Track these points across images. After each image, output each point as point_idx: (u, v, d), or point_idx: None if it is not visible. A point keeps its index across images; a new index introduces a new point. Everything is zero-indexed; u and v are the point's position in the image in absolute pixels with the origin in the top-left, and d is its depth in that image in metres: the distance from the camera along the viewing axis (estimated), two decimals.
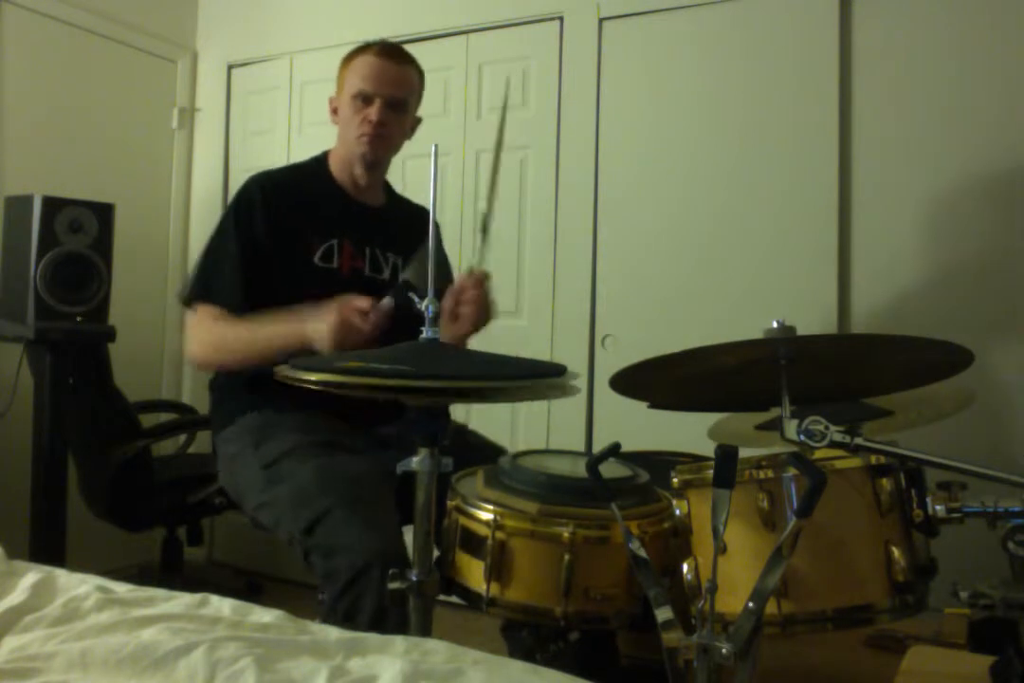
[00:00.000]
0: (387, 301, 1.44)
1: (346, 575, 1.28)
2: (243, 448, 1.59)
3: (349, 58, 1.74)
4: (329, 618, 1.27)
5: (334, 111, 1.77)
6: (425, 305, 1.17)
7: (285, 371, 1.09)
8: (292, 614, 1.01)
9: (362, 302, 1.44)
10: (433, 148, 1.21)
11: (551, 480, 1.27)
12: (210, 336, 1.62)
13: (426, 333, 1.16)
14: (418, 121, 1.81)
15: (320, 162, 1.80)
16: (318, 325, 1.43)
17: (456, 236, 2.83)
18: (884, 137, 2.32)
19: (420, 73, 1.77)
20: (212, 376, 1.76)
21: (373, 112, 1.67)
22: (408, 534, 1.21)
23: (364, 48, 1.72)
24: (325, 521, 1.35)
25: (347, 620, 1.25)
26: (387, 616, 1.24)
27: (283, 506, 1.44)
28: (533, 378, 1.14)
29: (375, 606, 1.25)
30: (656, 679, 1.08)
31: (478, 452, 1.58)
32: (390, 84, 1.69)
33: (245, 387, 1.66)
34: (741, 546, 1.16)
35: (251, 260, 1.63)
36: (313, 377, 1.05)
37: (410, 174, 2.75)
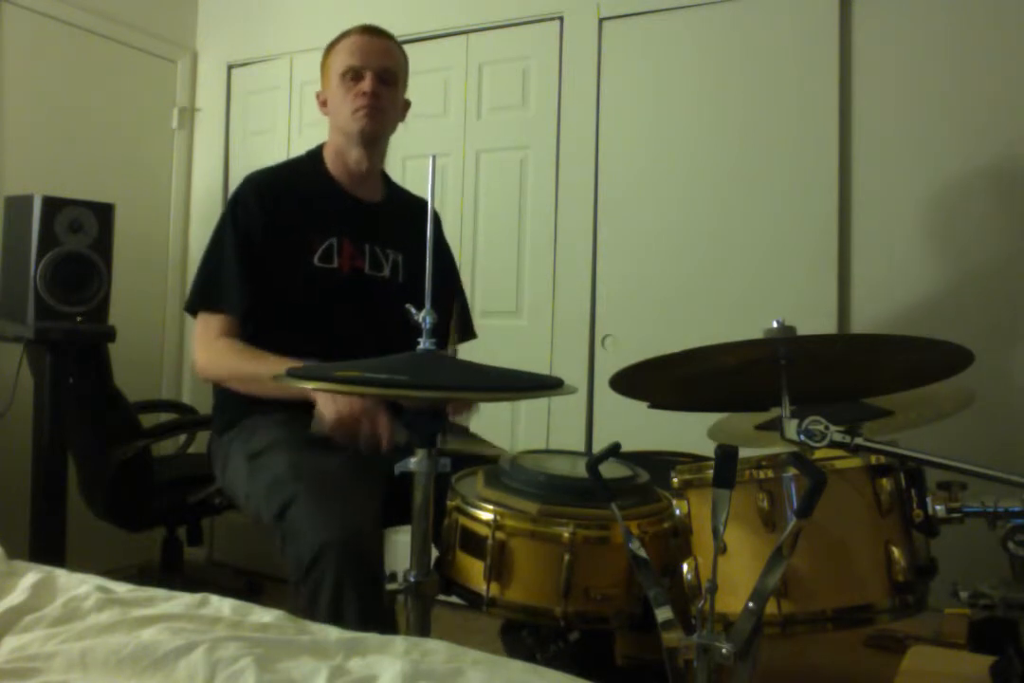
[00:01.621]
0: (401, 437, 1.42)
1: (305, 561, 1.28)
2: (235, 446, 1.60)
3: (331, 45, 1.75)
4: (293, 604, 1.28)
5: (323, 103, 1.76)
6: (422, 316, 1.17)
7: (282, 380, 1.10)
8: (292, 614, 1.01)
9: (383, 423, 1.42)
10: (431, 159, 1.21)
11: (551, 480, 1.27)
12: (215, 357, 1.62)
13: (423, 344, 1.16)
14: (408, 104, 1.80)
15: (315, 156, 1.78)
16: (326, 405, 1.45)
17: (456, 236, 2.84)
18: (884, 137, 2.32)
19: (403, 51, 1.78)
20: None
21: (366, 84, 1.66)
22: (406, 535, 1.21)
23: (345, 33, 1.74)
24: (292, 508, 1.36)
25: (309, 605, 1.26)
26: (344, 602, 1.24)
27: (261, 494, 1.46)
28: (531, 390, 1.15)
29: (332, 591, 1.25)
30: (656, 679, 1.08)
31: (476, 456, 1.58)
32: (378, 56, 1.69)
33: (243, 394, 1.66)
34: (741, 546, 1.16)
35: (251, 262, 1.62)
36: (310, 386, 1.07)
37: (410, 174, 2.76)
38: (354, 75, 1.68)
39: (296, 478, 1.41)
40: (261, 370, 1.53)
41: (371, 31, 1.72)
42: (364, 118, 1.67)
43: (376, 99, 1.67)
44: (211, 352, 1.63)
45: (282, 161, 1.86)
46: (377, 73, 1.67)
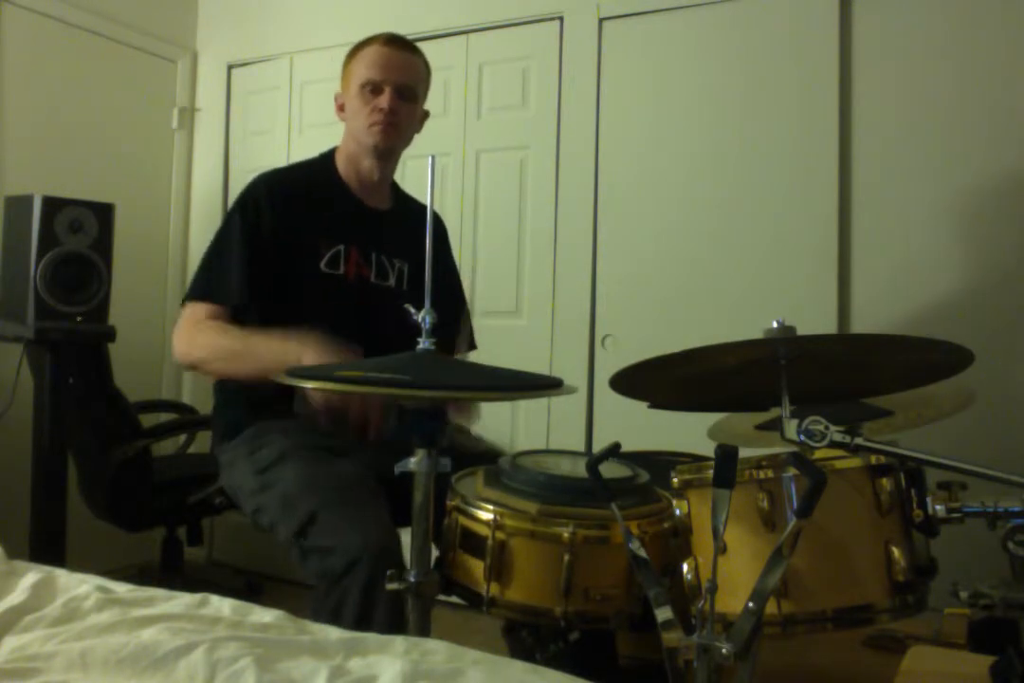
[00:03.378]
0: (388, 430, 1.38)
1: (331, 576, 1.29)
2: (240, 455, 1.58)
3: (354, 51, 1.72)
4: (316, 618, 1.27)
5: (340, 108, 1.74)
6: (422, 316, 1.17)
7: (283, 379, 1.10)
8: (292, 614, 1.01)
9: (375, 409, 1.38)
10: (430, 160, 1.21)
11: (551, 480, 1.27)
12: (194, 335, 1.57)
13: (423, 344, 1.16)
14: (426, 114, 1.78)
15: (327, 160, 1.77)
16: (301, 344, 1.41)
17: (456, 236, 2.83)
18: (884, 137, 2.32)
19: (426, 64, 1.75)
20: (215, 380, 1.75)
21: (383, 100, 1.64)
22: (406, 535, 1.21)
23: (369, 40, 1.71)
24: (312, 525, 1.36)
25: (332, 619, 1.25)
26: (372, 616, 1.25)
27: (275, 511, 1.45)
28: (530, 390, 1.16)
29: (358, 606, 1.26)
30: (656, 679, 1.08)
31: (477, 455, 1.58)
32: (398, 71, 1.67)
33: (245, 395, 1.65)
34: (741, 546, 1.16)
35: (255, 260, 1.61)
36: (311, 385, 1.08)
37: (410, 174, 2.75)
38: (373, 88, 1.65)
39: (310, 494, 1.40)
40: (243, 345, 1.49)
41: (395, 43, 1.69)
42: (379, 134, 1.66)
43: (393, 115, 1.65)
44: (190, 332, 1.57)
45: (293, 163, 1.85)
46: (396, 88, 1.66)
